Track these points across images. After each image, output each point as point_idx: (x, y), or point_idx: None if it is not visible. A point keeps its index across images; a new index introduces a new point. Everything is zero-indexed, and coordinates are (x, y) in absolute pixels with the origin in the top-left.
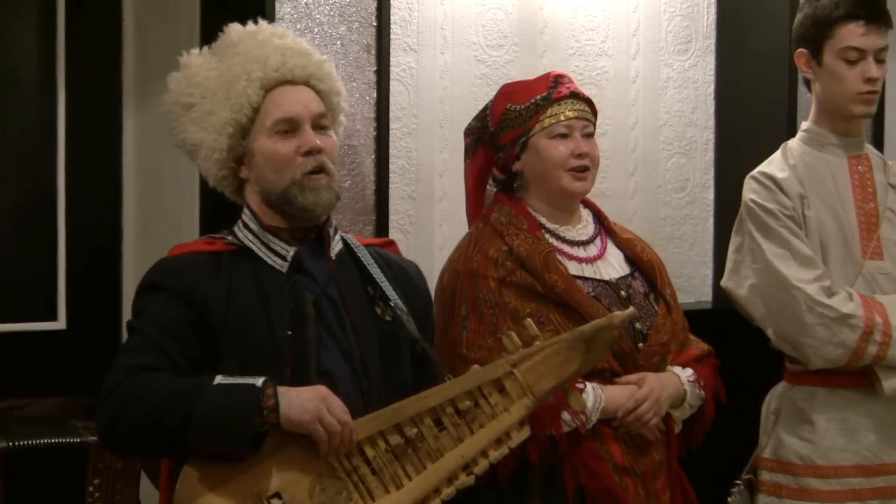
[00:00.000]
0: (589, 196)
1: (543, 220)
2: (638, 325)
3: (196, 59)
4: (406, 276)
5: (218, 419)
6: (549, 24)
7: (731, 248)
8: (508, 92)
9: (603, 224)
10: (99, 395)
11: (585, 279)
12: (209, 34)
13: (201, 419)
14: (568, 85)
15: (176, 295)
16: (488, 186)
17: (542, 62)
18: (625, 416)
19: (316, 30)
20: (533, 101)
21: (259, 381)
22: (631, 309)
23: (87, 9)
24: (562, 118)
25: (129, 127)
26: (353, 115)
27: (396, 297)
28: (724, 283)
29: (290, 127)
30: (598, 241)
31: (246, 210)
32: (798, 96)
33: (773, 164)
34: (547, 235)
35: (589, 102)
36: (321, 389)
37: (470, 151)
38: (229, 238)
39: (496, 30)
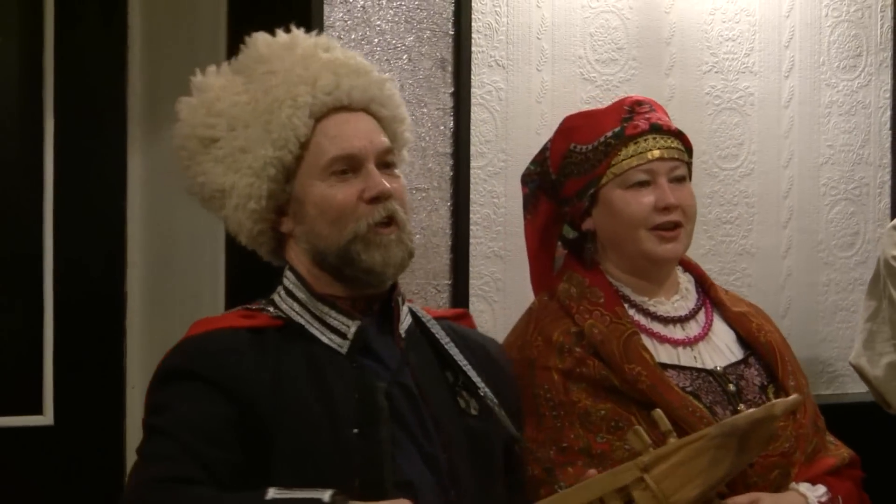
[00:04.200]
0: (724, 254)
1: (627, 292)
2: None
3: (216, 80)
4: (490, 358)
5: None
6: (678, 33)
7: (864, 315)
8: (570, 128)
9: (708, 294)
10: None
11: (682, 369)
12: (238, 47)
13: None
14: (647, 115)
15: (211, 384)
16: (559, 245)
17: (667, 81)
18: None
19: (376, 40)
20: (602, 139)
21: (326, 494)
22: (795, 396)
23: (82, 17)
24: (639, 161)
25: (134, 166)
26: (423, 150)
27: (482, 383)
28: (853, 359)
29: (349, 166)
30: (700, 316)
31: (289, 274)
32: None
33: None
34: (631, 311)
35: (679, 136)
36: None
37: (529, 204)
38: (271, 310)
39: (609, 40)
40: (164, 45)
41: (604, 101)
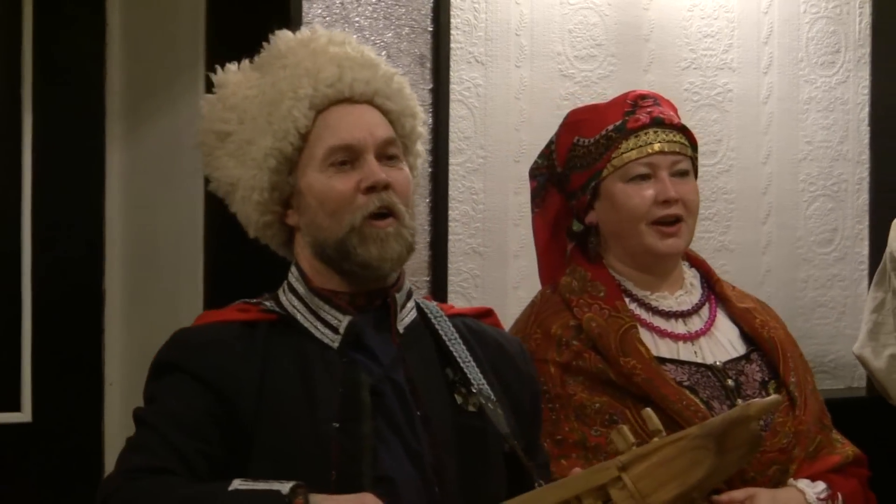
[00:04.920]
0: (703, 250)
1: (629, 286)
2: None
3: (233, 76)
4: (505, 356)
5: None
6: (657, 29)
7: (869, 306)
8: (575, 122)
9: (714, 289)
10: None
11: (680, 363)
12: (218, 42)
13: None
14: (650, 109)
15: (195, 378)
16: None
17: (646, 78)
18: None
19: (354, 37)
20: (604, 133)
21: (286, 486)
22: (775, 396)
23: (61, 11)
24: (639, 154)
25: (113, 163)
26: None
27: (483, 381)
28: (857, 349)
29: (348, 157)
30: (704, 311)
31: (293, 268)
32: None
33: None
34: (633, 306)
35: (683, 130)
36: (367, 498)
37: (538, 197)
38: (268, 304)
39: (587, 36)
40: (143, 40)
41: (583, 98)
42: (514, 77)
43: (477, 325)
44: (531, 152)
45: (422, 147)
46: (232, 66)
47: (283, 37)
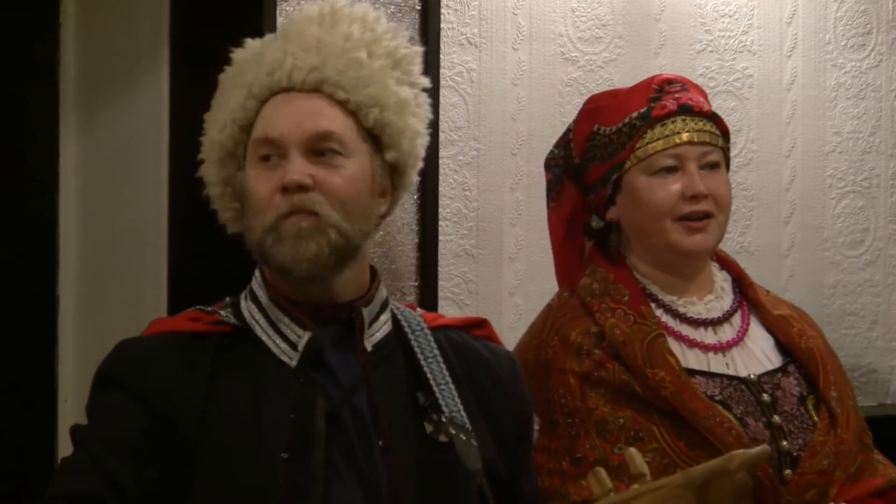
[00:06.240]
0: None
1: (654, 290)
2: (785, 444)
3: (240, 54)
4: (490, 375)
5: None
6: (669, 8)
7: None
8: (595, 108)
9: (746, 294)
10: None
11: (711, 375)
12: (184, 21)
13: None
14: (677, 95)
15: (132, 395)
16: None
17: (657, 62)
18: None
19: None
20: (626, 120)
21: None
22: (763, 447)
23: None
24: (665, 145)
25: (67, 156)
26: None
27: (457, 407)
28: None
29: (272, 152)
30: (736, 319)
31: (257, 272)
32: None
33: None
34: (659, 312)
35: (713, 118)
36: None
37: (553, 191)
38: (223, 313)
39: (592, 16)
40: (100, 23)
41: (587, 84)
42: (510, 61)
43: (462, 338)
44: (529, 144)
45: (414, 144)
46: (252, 41)
47: (303, 10)
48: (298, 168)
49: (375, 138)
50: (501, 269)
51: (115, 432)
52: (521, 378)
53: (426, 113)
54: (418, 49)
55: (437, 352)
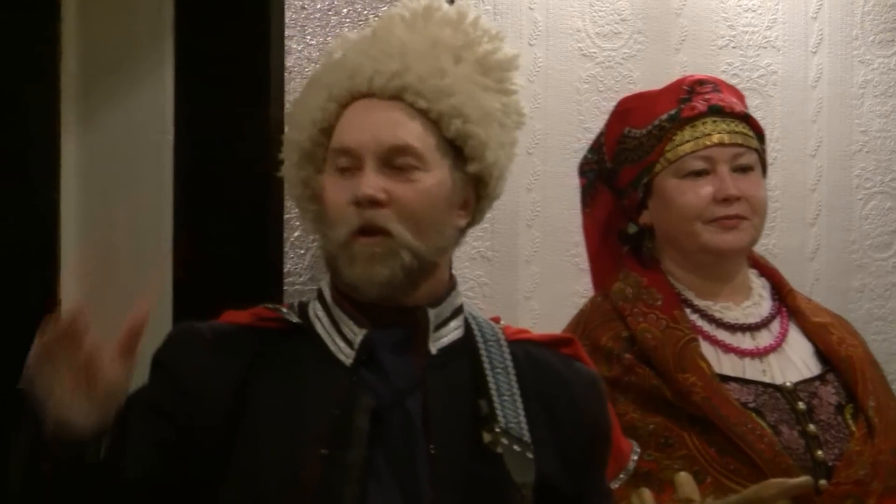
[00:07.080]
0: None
1: (689, 296)
2: (820, 454)
3: (333, 48)
4: (566, 393)
5: None
6: (690, 3)
7: None
8: (625, 110)
9: (786, 301)
10: None
11: (746, 382)
12: (188, 12)
13: None
14: (708, 96)
15: (169, 378)
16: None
17: (678, 58)
18: None
19: (345, 10)
20: (656, 122)
21: None
22: (805, 478)
23: None
24: (695, 147)
25: (68, 154)
26: None
27: (517, 418)
28: None
29: (350, 163)
30: (775, 325)
31: (329, 273)
32: None
33: None
34: (693, 317)
35: (746, 119)
36: None
37: (587, 196)
38: (284, 311)
39: (611, 11)
40: (101, 18)
41: (605, 80)
42: (526, 57)
43: (541, 353)
44: (545, 143)
45: (497, 155)
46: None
47: (395, 9)
48: (372, 182)
49: (457, 149)
50: (517, 272)
51: (148, 417)
52: (600, 399)
53: (518, 120)
54: (515, 54)
55: (509, 364)
